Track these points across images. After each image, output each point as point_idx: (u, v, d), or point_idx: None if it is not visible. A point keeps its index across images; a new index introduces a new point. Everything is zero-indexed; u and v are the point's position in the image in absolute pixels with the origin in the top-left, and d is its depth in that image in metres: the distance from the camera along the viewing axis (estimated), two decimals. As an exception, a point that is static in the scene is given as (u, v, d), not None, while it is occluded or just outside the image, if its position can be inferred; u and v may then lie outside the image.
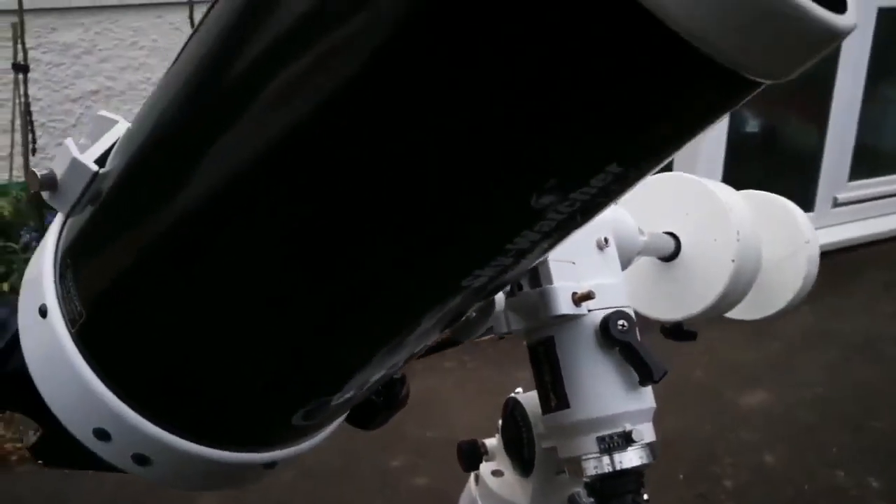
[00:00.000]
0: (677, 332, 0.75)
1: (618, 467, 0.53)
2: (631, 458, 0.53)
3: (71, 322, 0.42)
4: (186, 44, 0.36)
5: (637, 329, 0.55)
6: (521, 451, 0.63)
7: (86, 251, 0.43)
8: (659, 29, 0.24)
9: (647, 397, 0.55)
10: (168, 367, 0.42)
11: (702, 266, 0.71)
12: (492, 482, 0.66)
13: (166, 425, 0.42)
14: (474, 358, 2.31)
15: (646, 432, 0.54)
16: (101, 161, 0.40)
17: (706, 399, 2.24)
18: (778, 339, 2.51)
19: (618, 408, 0.54)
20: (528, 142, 0.28)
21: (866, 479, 1.96)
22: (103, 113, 0.43)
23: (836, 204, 3.29)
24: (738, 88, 0.28)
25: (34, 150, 2.49)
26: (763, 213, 0.77)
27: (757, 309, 0.79)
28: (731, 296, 0.71)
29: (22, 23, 2.37)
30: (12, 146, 2.50)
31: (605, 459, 0.53)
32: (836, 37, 0.26)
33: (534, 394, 0.60)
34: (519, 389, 0.66)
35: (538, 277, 0.55)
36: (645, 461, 0.53)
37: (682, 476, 1.93)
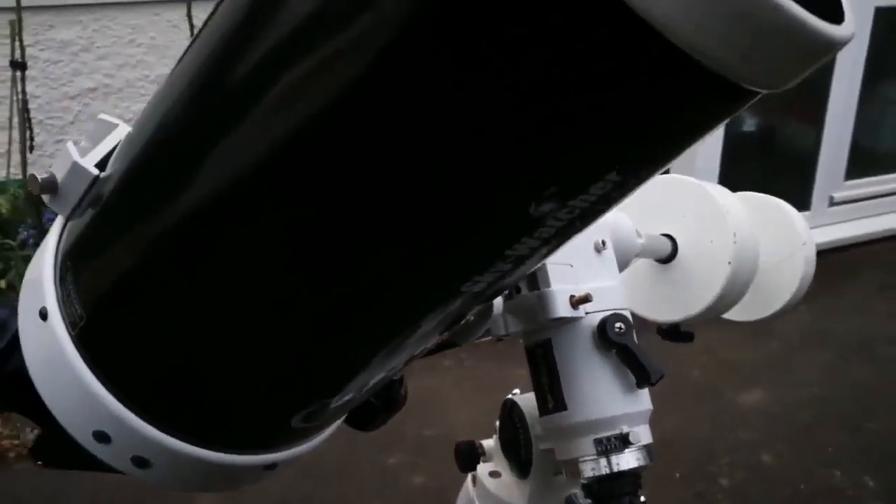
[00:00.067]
0: (674, 333, 0.75)
1: (615, 469, 0.53)
2: (628, 460, 0.53)
3: (71, 325, 0.42)
4: (189, 46, 0.36)
5: (634, 332, 0.56)
6: (518, 453, 0.63)
7: (86, 254, 0.43)
8: (659, 41, 0.24)
9: (644, 399, 0.56)
10: (168, 370, 0.42)
11: (699, 268, 0.71)
12: (489, 483, 0.67)
13: (166, 428, 0.43)
14: (472, 356, 2.32)
15: (643, 434, 0.54)
16: (101, 165, 0.40)
17: (704, 399, 2.25)
18: (775, 338, 2.51)
19: (615, 410, 0.54)
20: (528, 149, 0.28)
21: (862, 479, 1.96)
22: (104, 116, 0.43)
23: (833, 203, 3.29)
24: (737, 98, 0.28)
25: (32, 148, 2.48)
26: (760, 214, 0.77)
27: (754, 310, 0.79)
28: (728, 297, 0.71)
29: (20, 20, 2.37)
30: (10, 143, 2.49)
31: (603, 461, 0.53)
32: (834, 47, 0.27)
33: (531, 395, 0.60)
34: (516, 390, 0.66)
35: (536, 280, 0.56)
36: (642, 463, 0.54)
37: (679, 475, 1.94)
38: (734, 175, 2.86)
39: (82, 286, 0.42)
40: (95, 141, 0.42)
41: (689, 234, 0.72)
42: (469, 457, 0.68)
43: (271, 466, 0.47)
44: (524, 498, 0.63)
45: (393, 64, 0.27)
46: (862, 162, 3.36)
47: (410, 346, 0.42)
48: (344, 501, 1.86)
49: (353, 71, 0.27)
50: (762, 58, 0.26)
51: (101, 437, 0.43)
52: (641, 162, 0.31)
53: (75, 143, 0.41)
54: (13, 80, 2.41)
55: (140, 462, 0.44)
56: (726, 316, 0.77)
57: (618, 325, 0.54)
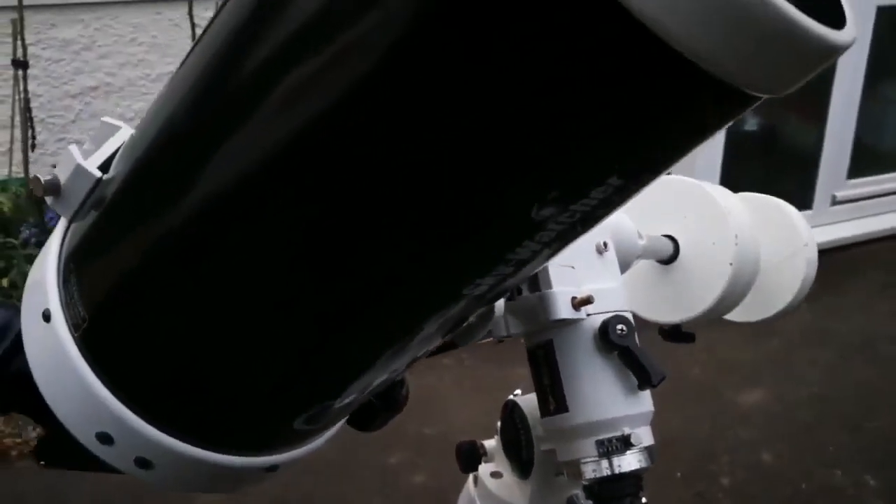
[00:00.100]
0: (675, 333, 0.75)
1: (616, 471, 0.53)
2: (629, 461, 0.53)
3: (74, 327, 0.42)
4: (193, 48, 0.36)
5: (636, 333, 0.56)
6: (519, 453, 0.63)
7: (89, 256, 0.43)
8: (663, 48, 0.24)
9: (645, 401, 0.56)
10: (171, 372, 0.42)
11: (700, 269, 0.71)
12: (490, 483, 0.67)
13: (169, 429, 0.43)
14: (472, 355, 2.32)
15: (644, 436, 0.54)
16: (104, 167, 0.41)
17: (704, 398, 2.25)
18: (776, 337, 2.51)
19: (616, 412, 0.54)
20: (529, 153, 0.28)
21: (863, 478, 1.96)
22: (107, 119, 0.43)
23: (835, 202, 3.29)
24: (738, 103, 0.28)
25: (34, 146, 2.49)
26: (761, 215, 0.77)
27: (756, 311, 0.79)
28: (730, 298, 0.71)
29: (22, 19, 2.37)
30: (12, 142, 2.50)
31: (604, 463, 0.53)
32: (835, 52, 0.27)
33: (533, 396, 0.60)
34: (518, 391, 0.67)
35: (537, 282, 0.56)
36: (643, 465, 0.54)
37: (679, 474, 1.94)
38: (736, 174, 2.86)
39: (85, 288, 0.42)
40: (98, 143, 0.42)
41: (690, 236, 0.72)
42: (470, 457, 0.68)
43: (273, 468, 0.48)
44: (525, 498, 0.63)
45: (399, 61, 0.27)
46: (864, 161, 3.35)
47: (413, 348, 0.42)
48: (344, 500, 1.86)
49: (360, 69, 0.27)
50: (763, 63, 0.26)
51: (104, 438, 0.43)
52: (643, 166, 0.31)
53: (78, 146, 0.42)
54: (15, 78, 2.41)
55: (143, 463, 0.44)
56: (728, 317, 0.77)
57: (619, 326, 0.54)
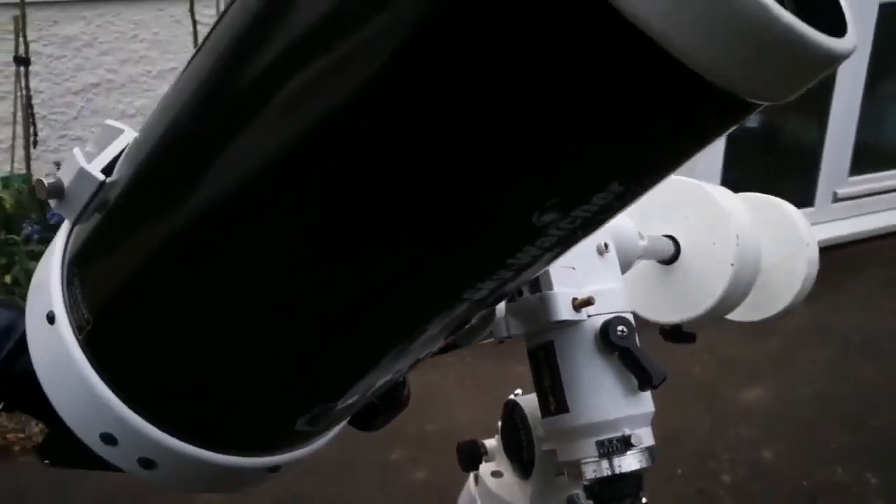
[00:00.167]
0: (676, 334, 0.76)
1: (617, 471, 0.53)
2: (630, 462, 0.54)
3: (78, 329, 0.43)
4: (198, 50, 0.36)
5: (636, 334, 0.56)
6: (520, 453, 0.63)
7: (92, 259, 0.43)
8: (664, 58, 0.24)
9: (646, 402, 0.56)
10: (174, 374, 0.42)
11: (701, 269, 0.71)
12: (491, 483, 0.67)
13: (172, 430, 0.43)
14: (473, 352, 2.32)
15: (645, 436, 0.54)
16: (107, 170, 0.41)
17: (705, 395, 2.25)
18: (777, 335, 2.52)
19: (617, 412, 0.54)
20: (532, 158, 0.29)
21: (865, 476, 1.97)
22: (110, 122, 0.44)
23: (837, 199, 3.28)
24: (740, 111, 0.28)
25: (35, 143, 2.49)
26: (762, 215, 0.77)
27: (757, 311, 0.80)
28: (731, 299, 0.71)
29: (23, 16, 2.37)
30: (14, 138, 2.50)
31: (605, 463, 0.53)
32: (835, 61, 0.27)
33: (533, 396, 0.60)
34: (518, 391, 0.67)
35: (538, 283, 0.56)
36: (644, 465, 0.54)
37: (680, 472, 1.94)
38: (737, 171, 2.86)
39: (89, 290, 0.42)
40: (101, 146, 0.42)
41: (691, 236, 0.72)
42: (471, 456, 0.68)
43: (275, 468, 0.48)
44: (526, 498, 0.64)
45: (408, 65, 0.27)
46: (866, 158, 3.35)
47: (414, 351, 0.42)
48: (345, 497, 1.87)
49: (368, 72, 0.27)
50: (763, 71, 0.26)
51: (108, 438, 0.44)
52: (645, 172, 0.32)
53: (81, 149, 0.42)
54: (17, 75, 2.41)
55: (146, 463, 0.44)
56: (729, 317, 0.77)
57: (620, 328, 0.55)
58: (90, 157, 0.41)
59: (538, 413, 0.59)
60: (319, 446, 0.51)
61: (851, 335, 2.59)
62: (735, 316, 0.78)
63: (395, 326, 0.39)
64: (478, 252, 0.34)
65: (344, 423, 0.52)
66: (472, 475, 0.70)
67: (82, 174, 0.40)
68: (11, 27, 2.39)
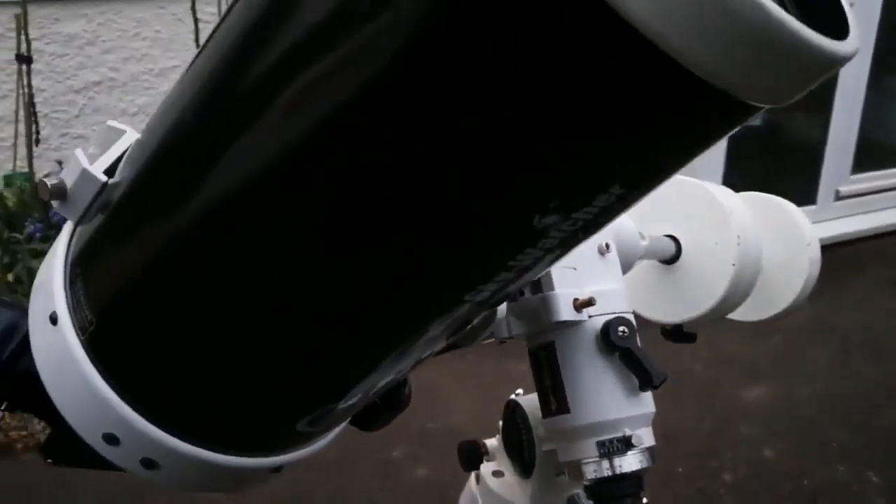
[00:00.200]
0: (677, 333, 0.76)
1: (617, 471, 0.53)
2: (630, 462, 0.54)
3: (81, 330, 0.43)
4: (201, 51, 0.37)
5: (637, 335, 0.56)
6: (521, 453, 0.63)
7: (95, 260, 0.43)
8: (664, 60, 0.24)
9: (646, 402, 0.56)
10: (177, 375, 0.43)
11: (702, 270, 0.71)
12: (492, 482, 0.67)
13: (174, 431, 0.43)
14: (474, 350, 2.31)
15: (645, 437, 0.54)
16: (110, 171, 0.41)
17: (706, 394, 2.25)
18: (778, 333, 2.51)
19: (618, 413, 0.54)
20: (533, 160, 0.29)
21: (866, 474, 1.97)
22: (112, 123, 0.44)
23: (839, 197, 3.28)
24: (741, 114, 0.28)
25: (37, 141, 2.49)
26: (763, 214, 0.77)
27: (758, 310, 0.80)
28: (732, 299, 0.71)
29: (25, 14, 2.37)
30: (16, 137, 2.50)
31: (605, 463, 0.54)
32: (837, 64, 0.27)
33: (534, 396, 0.60)
34: (519, 391, 0.67)
35: (539, 283, 0.56)
36: (644, 465, 0.54)
37: (681, 470, 1.95)
38: (739, 169, 2.85)
39: (91, 291, 0.42)
40: (104, 147, 0.42)
41: (692, 236, 0.72)
42: (472, 456, 0.68)
43: (277, 469, 0.48)
44: (527, 497, 0.64)
45: (409, 64, 0.27)
46: (868, 156, 3.34)
47: (416, 351, 0.42)
48: (346, 494, 1.87)
49: (370, 71, 0.27)
50: (764, 74, 0.26)
51: (111, 439, 0.44)
52: (646, 174, 0.32)
53: (84, 150, 0.42)
54: (19, 73, 2.41)
55: (148, 464, 0.45)
56: (730, 316, 0.77)
57: (621, 328, 0.55)
58: (93, 159, 0.41)
59: (539, 413, 0.59)
60: (321, 446, 0.51)
61: (853, 334, 2.59)
62: (736, 316, 0.78)
63: (396, 327, 0.39)
64: (479, 254, 0.34)
65: (345, 423, 0.53)
66: (473, 474, 0.70)
67: (85, 175, 0.40)
68: (13, 25, 2.39)
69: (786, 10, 0.27)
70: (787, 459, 2.02)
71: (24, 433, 2.02)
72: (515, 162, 0.29)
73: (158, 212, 0.38)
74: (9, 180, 2.56)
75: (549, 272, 0.55)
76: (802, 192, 3.16)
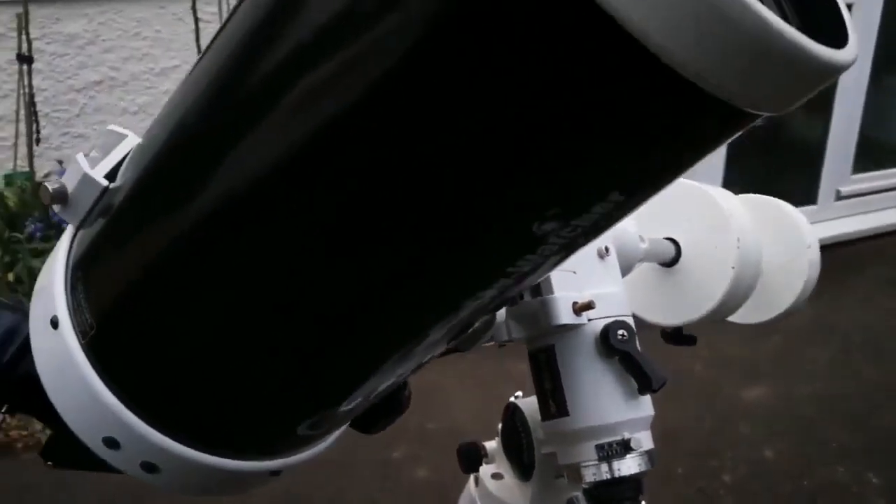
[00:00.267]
0: (678, 336, 0.76)
1: (616, 475, 0.53)
2: (629, 465, 0.54)
3: (82, 334, 0.43)
4: (205, 52, 0.36)
5: (637, 338, 0.56)
6: (520, 456, 0.64)
7: (96, 264, 0.43)
8: (662, 68, 0.24)
9: (645, 406, 0.56)
10: (177, 379, 0.43)
11: (702, 272, 0.71)
12: (491, 485, 0.67)
13: (175, 435, 0.43)
14: (474, 350, 2.32)
15: (644, 440, 0.55)
16: (111, 175, 0.41)
17: (705, 394, 2.25)
18: (778, 333, 2.51)
19: (617, 416, 0.54)
20: (533, 167, 0.29)
21: (866, 475, 1.97)
22: (113, 127, 0.44)
23: (840, 197, 3.28)
24: (739, 122, 0.28)
25: (38, 140, 2.50)
26: (763, 216, 0.77)
27: (758, 313, 0.80)
28: (732, 302, 0.71)
29: (26, 13, 2.37)
30: (17, 136, 2.51)
31: (604, 467, 0.54)
32: (836, 72, 0.27)
33: (533, 399, 0.60)
34: (519, 393, 0.67)
35: (539, 287, 0.56)
36: (643, 468, 0.54)
37: (680, 471, 1.95)
38: (739, 169, 2.85)
39: (92, 295, 0.43)
40: (105, 152, 0.42)
41: (692, 238, 0.73)
42: (472, 458, 0.68)
43: (277, 472, 0.48)
44: (526, 500, 0.64)
45: (418, 65, 0.27)
46: (869, 155, 3.34)
47: (416, 356, 0.43)
48: (346, 495, 1.87)
49: (378, 71, 0.27)
50: (763, 83, 0.26)
51: (111, 443, 0.44)
52: (644, 182, 0.32)
53: (85, 154, 0.42)
54: (20, 73, 2.42)
55: (149, 468, 0.45)
56: (730, 319, 0.77)
57: (620, 332, 0.55)
58: (94, 163, 0.42)
59: (538, 416, 0.59)
60: (321, 449, 0.51)
61: (853, 334, 2.59)
62: (736, 318, 0.78)
63: (397, 332, 0.39)
64: (479, 260, 0.34)
65: (345, 426, 0.53)
66: (472, 477, 0.70)
67: (86, 180, 0.40)
68: (14, 25, 2.39)
69: (786, 18, 0.27)
70: (787, 459, 2.02)
71: (24, 433, 2.02)
72: (517, 165, 0.29)
73: (161, 213, 0.38)
74: (9, 180, 2.56)
75: (548, 276, 0.55)
76: (803, 191, 3.16)
